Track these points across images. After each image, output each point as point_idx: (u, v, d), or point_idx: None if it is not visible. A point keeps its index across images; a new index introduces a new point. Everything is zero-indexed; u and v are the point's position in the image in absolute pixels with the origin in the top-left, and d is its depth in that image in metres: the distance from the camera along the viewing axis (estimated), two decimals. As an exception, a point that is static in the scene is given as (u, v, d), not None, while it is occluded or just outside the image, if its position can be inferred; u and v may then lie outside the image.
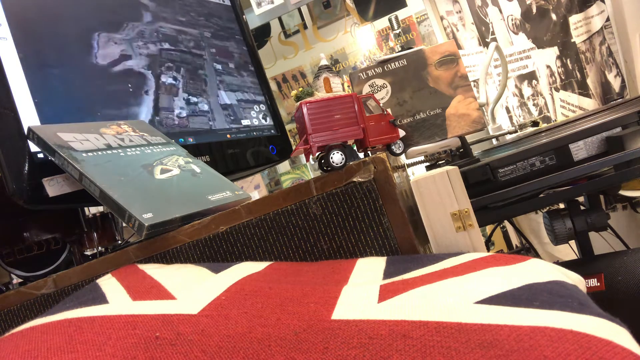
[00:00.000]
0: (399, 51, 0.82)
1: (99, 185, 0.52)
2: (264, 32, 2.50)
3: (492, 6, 1.96)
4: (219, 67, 1.01)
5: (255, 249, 0.52)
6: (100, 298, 0.39)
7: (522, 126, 1.10)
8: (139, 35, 0.83)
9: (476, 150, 1.02)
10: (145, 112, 0.80)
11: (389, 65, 0.80)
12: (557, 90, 1.91)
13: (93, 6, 0.77)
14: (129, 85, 0.78)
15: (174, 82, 0.88)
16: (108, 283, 0.44)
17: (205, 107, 0.93)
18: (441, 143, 0.80)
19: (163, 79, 0.86)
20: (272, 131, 1.07)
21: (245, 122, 0.99)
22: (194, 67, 0.94)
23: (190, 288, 0.41)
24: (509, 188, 0.76)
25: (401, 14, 2.30)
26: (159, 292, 0.40)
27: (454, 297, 0.31)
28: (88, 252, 0.80)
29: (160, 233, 0.53)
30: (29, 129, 0.58)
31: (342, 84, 0.66)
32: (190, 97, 0.90)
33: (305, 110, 0.56)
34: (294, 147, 0.59)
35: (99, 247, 0.79)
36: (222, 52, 1.03)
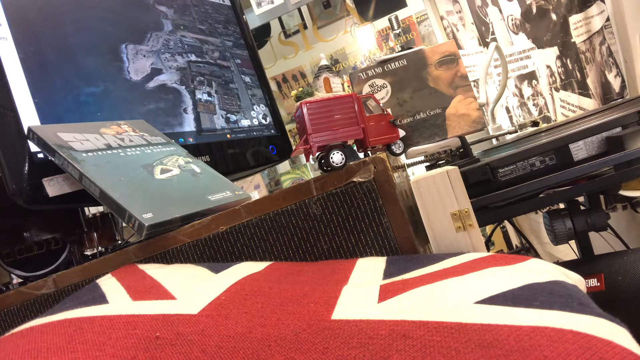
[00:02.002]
0: (399, 51, 0.82)
1: (99, 185, 0.52)
2: (264, 32, 2.50)
3: (492, 6, 1.96)
4: (248, 79, 1.01)
5: (255, 249, 0.52)
6: (100, 298, 0.39)
7: (522, 126, 1.10)
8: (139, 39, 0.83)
9: (476, 150, 1.02)
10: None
11: (389, 65, 0.80)
12: (557, 90, 1.91)
13: (95, 6, 0.77)
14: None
15: (209, 98, 0.88)
16: (108, 283, 0.44)
17: (246, 124, 0.94)
18: (441, 143, 0.80)
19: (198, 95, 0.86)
20: (272, 131, 1.07)
21: (245, 122, 0.99)
22: (224, 80, 0.94)
23: (190, 288, 0.41)
24: (509, 188, 0.76)
25: (401, 14, 2.30)
26: (159, 292, 0.40)
27: (454, 297, 0.31)
28: (88, 252, 0.79)
29: (160, 233, 0.53)
30: (29, 129, 0.58)
31: (342, 84, 0.66)
32: (229, 114, 0.91)
33: (305, 110, 0.56)
34: (294, 147, 0.59)
35: (99, 247, 0.79)
36: (245, 61, 1.03)
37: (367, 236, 0.50)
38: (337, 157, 0.52)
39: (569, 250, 1.18)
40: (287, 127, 2.25)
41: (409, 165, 1.09)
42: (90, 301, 0.39)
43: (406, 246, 0.50)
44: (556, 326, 0.25)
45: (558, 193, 0.81)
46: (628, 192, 1.18)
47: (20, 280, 0.80)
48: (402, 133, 0.64)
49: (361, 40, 2.40)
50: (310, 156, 0.58)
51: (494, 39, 1.98)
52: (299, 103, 0.57)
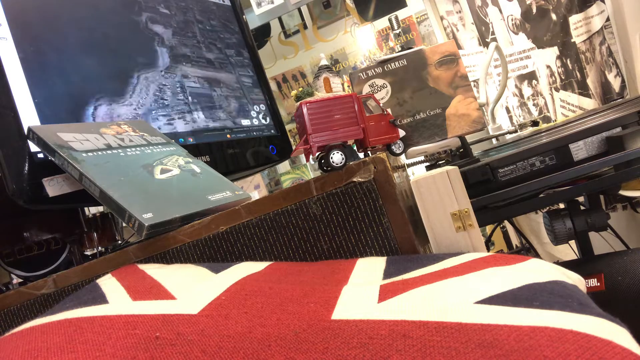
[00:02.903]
0: (399, 51, 0.82)
1: (99, 185, 0.52)
2: (264, 32, 2.50)
3: (492, 6, 1.96)
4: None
5: (255, 249, 0.52)
6: (100, 298, 0.39)
7: (522, 126, 1.10)
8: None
9: (476, 150, 1.02)
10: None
11: (389, 65, 0.80)
12: (557, 90, 1.91)
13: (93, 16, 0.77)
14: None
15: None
16: (108, 283, 0.44)
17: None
18: (441, 143, 0.80)
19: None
20: (272, 131, 1.07)
21: (245, 122, 0.99)
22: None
23: (190, 288, 0.41)
24: (509, 188, 0.76)
25: (401, 14, 2.30)
26: (159, 292, 0.40)
27: (454, 297, 0.31)
28: (88, 252, 0.79)
29: (160, 233, 0.53)
30: (29, 129, 0.58)
31: (342, 84, 0.66)
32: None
33: (305, 110, 0.56)
34: (294, 147, 0.59)
35: (99, 247, 0.79)
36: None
37: (367, 236, 0.50)
38: (337, 157, 0.52)
39: (569, 250, 1.18)
40: (287, 127, 2.25)
41: (409, 165, 1.09)
42: (90, 301, 0.39)
43: (406, 246, 0.50)
44: (556, 326, 0.25)
45: (558, 193, 0.81)
46: (628, 192, 1.18)
47: (20, 280, 0.80)
48: (402, 133, 0.64)
49: (361, 40, 2.40)
50: (310, 156, 0.58)
51: (494, 39, 1.98)
52: (299, 103, 0.57)
